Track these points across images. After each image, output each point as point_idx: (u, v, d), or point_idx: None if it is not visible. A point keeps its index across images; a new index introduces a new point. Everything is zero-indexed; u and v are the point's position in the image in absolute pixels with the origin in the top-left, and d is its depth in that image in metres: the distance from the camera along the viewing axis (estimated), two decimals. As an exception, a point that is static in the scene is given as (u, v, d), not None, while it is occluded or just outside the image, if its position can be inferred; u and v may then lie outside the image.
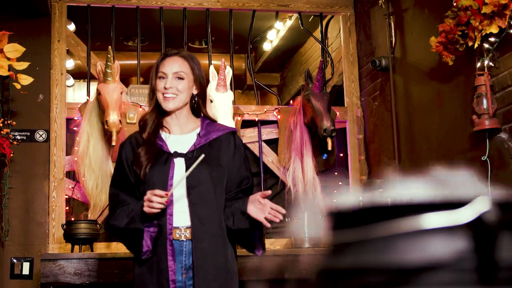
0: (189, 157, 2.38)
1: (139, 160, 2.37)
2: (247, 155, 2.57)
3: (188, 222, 2.33)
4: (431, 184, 0.59)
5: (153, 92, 2.46)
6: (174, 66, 2.45)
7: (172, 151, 2.40)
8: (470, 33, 2.93)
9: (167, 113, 2.47)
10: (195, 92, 2.49)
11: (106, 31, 4.32)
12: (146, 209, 2.25)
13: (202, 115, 2.53)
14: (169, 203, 2.29)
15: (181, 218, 2.33)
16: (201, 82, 2.51)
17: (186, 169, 2.34)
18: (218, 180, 2.38)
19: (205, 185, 2.34)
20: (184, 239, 2.32)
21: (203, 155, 2.25)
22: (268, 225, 2.29)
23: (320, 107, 3.91)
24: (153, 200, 2.23)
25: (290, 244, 4.02)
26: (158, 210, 2.25)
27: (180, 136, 2.46)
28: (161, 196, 2.23)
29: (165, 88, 2.42)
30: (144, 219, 2.31)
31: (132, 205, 2.36)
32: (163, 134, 2.46)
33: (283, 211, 2.28)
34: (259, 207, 2.29)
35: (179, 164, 2.38)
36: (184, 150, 2.41)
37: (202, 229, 2.31)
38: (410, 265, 0.56)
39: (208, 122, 2.51)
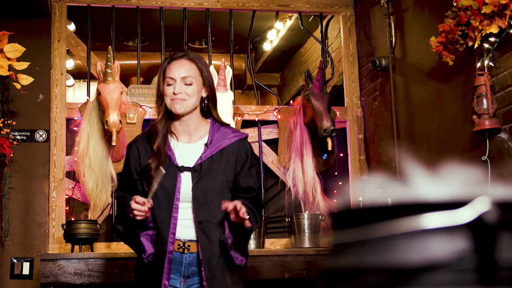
0: (196, 171, 2.34)
1: (149, 173, 2.33)
2: (256, 164, 2.49)
3: (191, 237, 2.32)
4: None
5: (161, 98, 2.39)
6: (182, 70, 2.38)
7: (179, 163, 2.35)
8: (470, 33, 2.93)
9: (177, 118, 2.41)
10: (204, 94, 2.43)
11: (106, 31, 4.33)
12: (131, 215, 2.23)
13: (212, 118, 2.47)
14: (149, 211, 2.26)
15: (184, 231, 2.32)
16: (210, 84, 2.44)
17: (192, 183, 2.32)
18: (226, 192, 2.36)
19: (212, 203, 2.31)
20: (186, 252, 2.32)
21: (163, 172, 2.19)
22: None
23: (320, 107, 3.91)
24: (133, 208, 2.19)
25: (290, 244, 4.02)
26: (141, 218, 2.22)
27: (188, 145, 2.41)
28: (142, 204, 2.19)
29: (174, 93, 2.36)
30: (137, 223, 2.29)
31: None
32: (172, 142, 2.41)
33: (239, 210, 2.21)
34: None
35: (185, 179, 2.35)
36: (191, 161, 2.37)
37: (210, 246, 2.30)
38: (410, 265, 0.56)
39: (218, 126, 2.44)
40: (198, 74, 2.41)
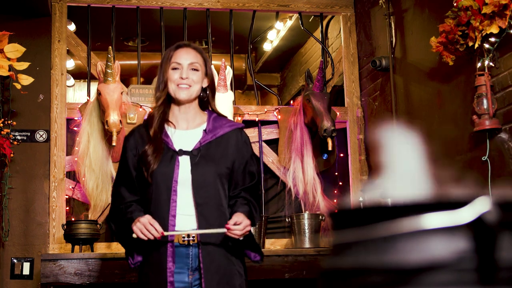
0: (194, 155, 2.35)
1: (146, 159, 2.33)
2: (254, 153, 2.52)
3: (193, 226, 2.30)
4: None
5: (164, 84, 2.41)
6: (189, 56, 2.42)
7: (177, 148, 2.36)
8: (471, 33, 2.93)
9: (176, 105, 2.43)
10: (205, 85, 2.46)
11: (106, 31, 4.33)
12: (135, 228, 2.25)
13: (209, 108, 2.50)
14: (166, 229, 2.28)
15: (186, 221, 2.30)
16: (212, 75, 2.49)
17: (191, 166, 2.32)
18: (224, 180, 2.36)
19: (211, 186, 2.32)
20: (191, 244, 2.30)
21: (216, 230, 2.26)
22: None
23: (321, 107, 3.91)
24: (148, 229, 2.23)
25: (291, 244, 4.02)
26: (145, 238, 2.24)
27: (186, 132, 2.42)
28: (157, 231, 2.23)
29: (181, 78, 2.38)
30: (132, 232, 2.30)
31: (128, 208, 2.35)
32: (169, 130, 2.42)
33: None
34: None
35: (184, 162, 2.34)
36: (189, 146, 2.37)
37: (208, 229, 2.28)
38: (411, 265, 0.56)
39: (215, 116, 2.47)
40: (203, 63, 2.45)
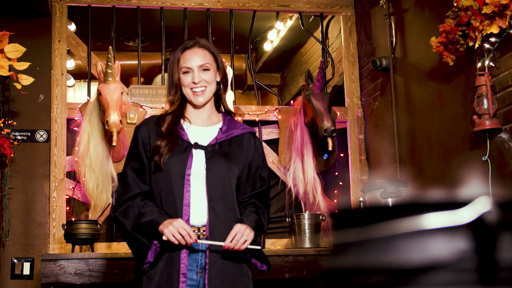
0: (209, 150, 2.33)
1: (159, 148, 2.29)
2: (265, 158, 2.50)
3: (204, 220, 2.26)
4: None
5: (176, 88, 2.38)
6: (198, 58, 2.38)
7: (192, 141, 2.34)
8: (471, 33, 2.93)
9: (191, 105, 2.41)
10: (218, 79, 2.44)
11: (107, 31, 4.33)
12: (166, 231, 2.17)
13: (223, 110, 2.48)
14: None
15: (197, 215, 2.26)
16: (223, 68, 2.46)
17: (206, 160, 2.30)
18: (235, 179, 2.34)
19: (225, 182, 2.30)
20: (201, 238, 2.26)
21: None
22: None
23: (321, 107, 3.91)
24: (182, 234, 2.17)
25: (291, 244, 4.02)
26: (176, 243, 2.19)
27: (202, 128, 2.40)
28: (190, 237, 2.18)
29: (194, 83, 2.35)
30: (153, 235, 2.23)
31: (143, 207, 2.27)
32: (184, 124, 2.40)
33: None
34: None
35: (198, 156, 2.32)
36: (204, 141, 2.35)
37: (218, 226, 2.26)
38: (411, 265, 0.56)
39: (230, 118, 2.46)
40: (213, 60, 2.42)
